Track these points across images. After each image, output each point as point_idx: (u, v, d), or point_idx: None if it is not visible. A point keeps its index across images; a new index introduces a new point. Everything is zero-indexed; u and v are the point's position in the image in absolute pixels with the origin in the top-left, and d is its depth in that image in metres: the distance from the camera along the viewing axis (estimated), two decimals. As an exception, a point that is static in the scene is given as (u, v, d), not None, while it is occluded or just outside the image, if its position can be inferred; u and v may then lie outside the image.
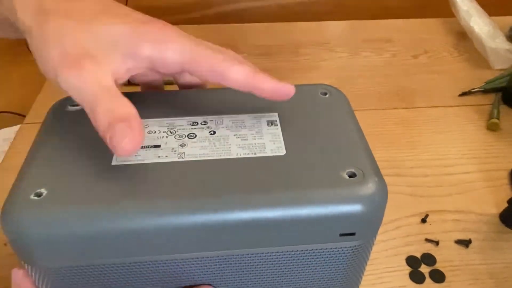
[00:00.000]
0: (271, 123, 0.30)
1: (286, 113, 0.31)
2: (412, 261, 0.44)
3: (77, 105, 0.31)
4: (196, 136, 0.29)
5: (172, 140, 0.29)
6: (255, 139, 0.29)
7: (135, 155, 0.27)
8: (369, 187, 0.26)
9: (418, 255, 0.45)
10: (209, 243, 0.26)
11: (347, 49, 0.77)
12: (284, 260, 0.28)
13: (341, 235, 0.26)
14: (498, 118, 0.61)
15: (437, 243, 0.46)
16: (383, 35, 0.80)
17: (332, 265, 0.28)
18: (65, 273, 0.26)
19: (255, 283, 0.29)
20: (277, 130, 0.30)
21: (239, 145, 0.28)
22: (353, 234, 0.26)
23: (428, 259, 0.45)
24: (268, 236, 0.26)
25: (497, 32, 0.74)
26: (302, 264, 0.28)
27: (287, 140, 0.29)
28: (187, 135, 0.29)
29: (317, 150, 0.28)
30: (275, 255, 0.27)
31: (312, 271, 0.29)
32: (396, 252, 0.45)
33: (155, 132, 0.29)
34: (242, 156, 0.28)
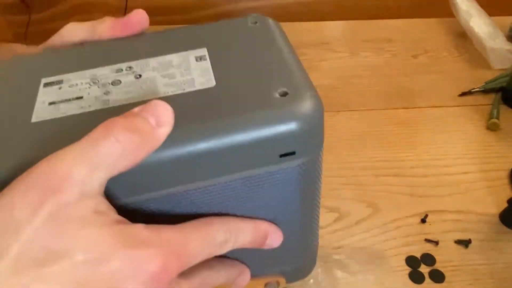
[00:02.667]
0: (199, 58, 0.30)
1: (216, 47, 0.30)
2: (412, 261, 0.44)
3: None
4: (121, 82, 0.28)
5: (96, 90, 0.28)
6: (183, 76, 0.28)
7: (56, 110, 0.26)
8: (303, 104, 0.25)
9: (418, 255, 0.45)
10: (147, 183, 0.25)
11: (347, 49, 0.77)
12: (231, 190, 0.27)
13: (281, 155, 0.26)
14: (498, 118, 0.61)
15: (436, 243, 0.46)
16: (383, 35, 0.80)
17: (280, 187, 0.28)
18: None
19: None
20: (206, 64, 0.29)
21: (167, 83, 0.28)
22: (293, 153, 0.26)
23: (428, 259, 0.45)
24: (207, 168, 0.25)
25: (497, 32, 0.74)
26: (248, 192, 0.28)
27: (216, 72, 0.28)
28: (111, 83, 0.28)
29: (248, 76, 0.28)
30: (218, 187, 0.27)
31: (263, 196, 0.28)
32: (396, 252, 0.46)
33: (76, 85, 0.28)
34: (170, 93, 0.27)
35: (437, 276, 0.43)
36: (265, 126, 0.25)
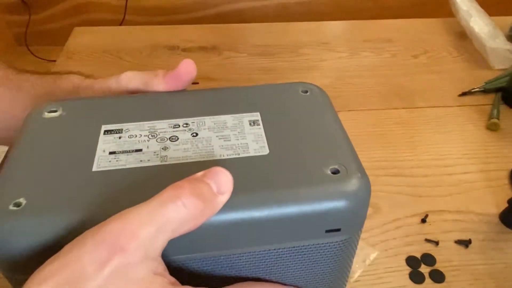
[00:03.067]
0: (253, 122, 0.30)
1: (268, 113, 0.31)
2: (412, 261, 0.44)
3: (54, 111, 0.30)
4: (178, 138, 0.29)
5: (154, 144, 0.28)
6: (238, 139, 0.29)
7: (117, 160, 0.27)
8: (353, 183, 0.26)
9: (418, 255, 0.45)
10: (196, 244, 0.26)
11: (347, 49, 0.77)
12: (271, 259, 0.28)
13: (327, 231, 0.27)
14: (498, 118, 0.61)
15: (437, 243, 0.46)
16: (383, 35, 0.80)
17: (319, 260, 0.29)
18: None
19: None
20: (260, 129, 0.30)
21: (222, 146, 0.28)
22: (338, 230, 0.27)
23: (428, 259, 0.45)
24: (255, 235, 0.26)
25: (497, 32, 0.74)
26: (289, 261, 0.28)
27: (270, 140, 0.29)
28: (169, 138, 0.29)
29: (300, 148, 0.28)
30: (261, 254, 0.27)
31: (299, 268, 0.29)
32: (396, 252, 0.45)
33: (136, 136, 0.29)
34: (226, 157, 0.28)
35: (437, 276, 0.43)
36: (316, 202, 0.25)
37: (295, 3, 0.91)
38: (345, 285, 0.33)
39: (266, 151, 0.28)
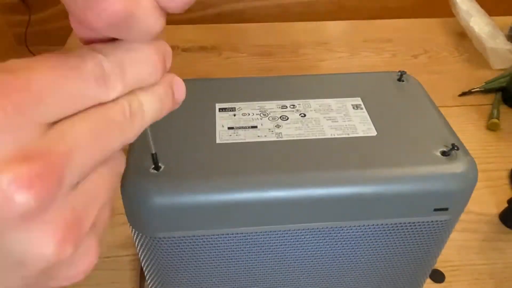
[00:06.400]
0: (356, 106, 0.32)
1: (369, 98, 0.33)
2: (412, 261, 0.44)
3: None
4: (288, 118, 0.31)
5: (267, 122, 0.31)
6: (345, 121, 0.31)
7: (236, 135, 0.29)
8: (462, 165, 0.28)
9: (418, 255, 0.45)
10: (312, 215, 0.27)
11: (347, 49, 0.77)
12: (379, 233, 0.29)
13: (435, 210, 0.28)
14: (498, 118, 0.61)
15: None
16: (383, 35, 0.80)
17: (422, 238, 0.30)
18: (173, 243, 0.28)
19: (350, 254, 0.31)
20: (364, 113, 0.31)
21: (331, 126, 0.30)
22: (446, 209, 0.28)
23: (428, 259, 0.45)
24: (367, 209, 0.27)
25: (497, 32, 0.74)
26: (396, 236, 0.30)
27: (375, 122, 0.31)
28: (280, 117, 0.31)
29: (406, 131, 0.30)
30: (370, 228, 0.29)
31: (404, 244, 0.30)
32: (396, 252, 0.45)
33: (248, 114, 0.31)
34: (337, 136, 0.29)
35: (438, 276, 0.43)
36: (428, 181, 0.27)
37: (295, 3, 0.91)
38: (430, 271, 0.34)
39: (374, 132, 0.30)
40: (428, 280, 0.43)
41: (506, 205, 0.48)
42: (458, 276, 0.43)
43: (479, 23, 0.75)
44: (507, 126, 0.61)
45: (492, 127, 0.60)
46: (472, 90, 0.67)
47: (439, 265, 0.44)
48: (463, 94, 0.67)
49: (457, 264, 0.44)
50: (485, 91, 0.67)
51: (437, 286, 0.43)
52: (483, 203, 0.50)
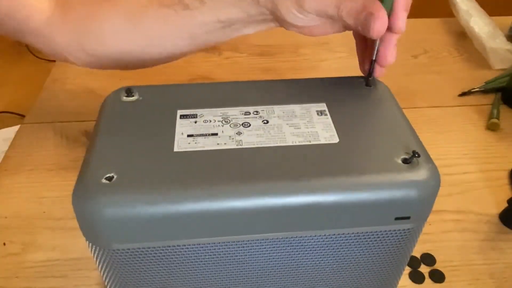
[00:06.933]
0: (320, 112, 0.32)
1: (334, 103, 0.33)
2: (411, 261, 0.44)
3: (131, 95, 0.33)
4: (250, 125, 0.31)
5: (228, 129, 0.30)
6: (308, 127, 0.30)
7: (195, 143, 0.29)
8: (424, 172, 0.27)
9: (418, 255, 0.45)
10: (270, 225, 0.27)
11: (347, 49, 0.77)
12: (338, 243, 0.29)
13: (397, 218, 0.27)
14: (498, 118, 0.61)
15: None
16: (383, 35, 0.80)
17: (384, 247, 0.29)
18: (129, 255, 0.28)
19: (310, 264, 0.30)
20: (328, 119, 0.31)
21: (293, 133, 0.30)
22: (408, 218, 0.28)
23: (428, 259, 0.45)
24: (326, 219, 0.27)
25: (497, 32, 0.74)
26: (357, 246, 0.29)
27: (338, 129, 0.30)
28: (242, 124, 0.31)
29: (369, 137, 0.29)
30: (330, 238, 0.28)
31: (366, 253, 0.30)
32: (396, 252, 0.45)
33: (210, 121, 0.31)
34: (298, 143, 0.29)
35: (437, 276, 0.43)
36: (388, 190, 0.26)
37: (295, 3, 0.91)
38: (398, 280, 0.34)
39: (336, 139, 0.29)
40: (428, 280, 0.43)
41: (506, 205, 0.48)
42: (458, 276, 0.43)
43: (479, 23, 0.75)
44: (507, 126, 0.61)
45: (492, 127, 0.60)
46: (472, 90, 0.67)
47: (439, 265, 0.44)
48: (463, 94, 0.67)
49: (457, 264, 0.44)
50: (485, 91, 0.67)
51: (437, 286, 0.43)
52: (483, 203, 0.50)
